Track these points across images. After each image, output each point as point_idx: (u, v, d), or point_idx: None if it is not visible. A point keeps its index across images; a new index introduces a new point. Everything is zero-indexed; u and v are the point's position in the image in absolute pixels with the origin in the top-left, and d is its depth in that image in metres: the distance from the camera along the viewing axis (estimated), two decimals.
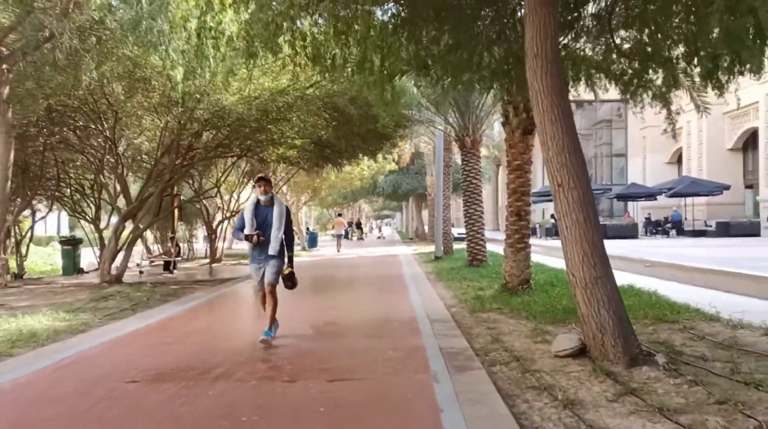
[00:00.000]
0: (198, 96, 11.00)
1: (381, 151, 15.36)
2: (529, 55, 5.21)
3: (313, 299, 10.67)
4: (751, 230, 25.07)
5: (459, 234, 26.84)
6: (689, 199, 30.88)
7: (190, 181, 18.76)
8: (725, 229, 25.37)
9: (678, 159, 40.65)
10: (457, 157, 29.59)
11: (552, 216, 34.22)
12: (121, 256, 12.95)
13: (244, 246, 31.70)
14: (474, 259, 16.10)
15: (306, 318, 8.18)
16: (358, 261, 21.86)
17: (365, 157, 17.52)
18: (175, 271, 15.73)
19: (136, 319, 8.14)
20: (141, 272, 15.12)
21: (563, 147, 5.22)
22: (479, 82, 10.11)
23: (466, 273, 13.98)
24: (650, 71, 8.06)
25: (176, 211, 16.37)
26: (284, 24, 6.86)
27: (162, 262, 16.22)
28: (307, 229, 35.33)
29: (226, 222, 20.25)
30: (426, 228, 39.28)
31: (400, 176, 37.20)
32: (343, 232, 32.69)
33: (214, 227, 19.19)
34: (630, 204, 38.89)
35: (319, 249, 30.95)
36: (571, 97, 9.77)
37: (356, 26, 7.13)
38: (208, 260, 19.28)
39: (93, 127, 12.49)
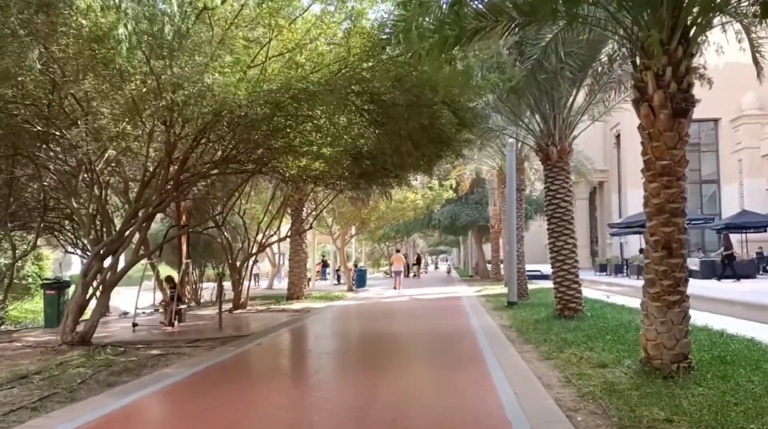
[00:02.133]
0: (176, 79, 7.65)
1: (440, 161, 11.48)
2: None
3: (337, 381, 6.88)
4: None
5: (530, 271, 22.68)
6: None
7: (209, 209, 15.54)
8: None
9: None
10: (529, 181, 25.60)
11: (641, 250, 29.33)
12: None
13: (283, 286, 28.06)
14: (565, 308, 12.01)
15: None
16: (413, 305, 18.01)
17: (418, 176, 13.76)
18: (179, 322, 12.30)
19: None
20: (135, 325, 11.75)
21: None
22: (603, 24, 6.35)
23: (561, 330, 9.93)
24: None
25: (184, 247, 13.06)
26: None
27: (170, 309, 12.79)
28: (355, 265, 31.74)
29: (252, 259, 16.87)
30: (489, 265, 35.03)
31: (458, 206, 33.21)
32: (402, 269, 29.51)
33: (237, 265, 15.82)
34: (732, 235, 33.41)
35: (368, 289, 27.24)
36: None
37: None
38: (231, 306, 15.91)
39: (57, 133, 9.35)
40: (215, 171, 10.56)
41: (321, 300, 19.28)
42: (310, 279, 31.07)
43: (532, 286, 20.65)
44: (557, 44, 9.95)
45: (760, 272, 24.64)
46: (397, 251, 32.56)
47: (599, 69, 11.51)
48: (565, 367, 6.87)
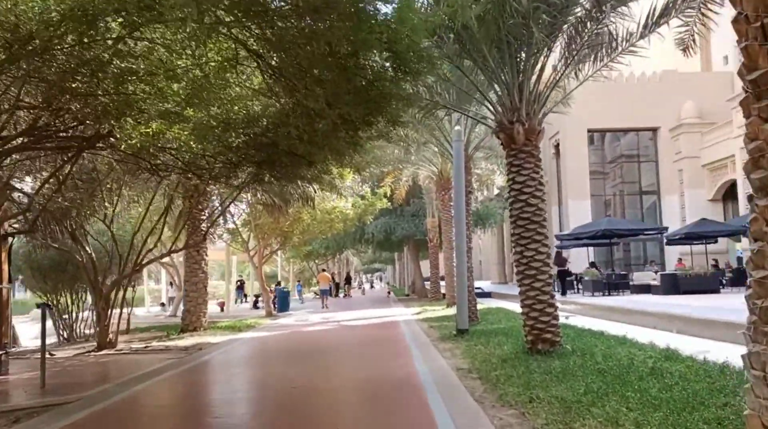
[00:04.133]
0: None
1: (370, 131, 7.96)
2: None
3: None
4: None
5: (476, 289, 19.71)
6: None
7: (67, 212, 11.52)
8: None
9: (724, 195, 34.08)
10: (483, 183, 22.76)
11: (592, 264, 27.05)
12: None
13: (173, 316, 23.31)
14: (539, 339, 8.87)
15: None
16: (340, 335, 14.53)
17: (342, 164, 10.35)
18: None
19: None
20: None
21: None
22: None
23: (545, 378, 6.74)
24: None
25: (5, 266, 9.10)
26: None
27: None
28: (278, 283, 27.92)
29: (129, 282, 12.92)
30: (426, 283, 32.07)
31: (393, 219, 30.06)
32: (329, 288, 27.57)
33: (102, 291, 11.84)
34: (672, 248, 31.83)
35: (291, 313, 23.50)
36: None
37: None
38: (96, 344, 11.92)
39: None
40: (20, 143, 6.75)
41: (226, 331, 15.44)
42: (223, 303, 27.04)
43: (479, 305, 17.66)
44: None
45: (723, 286, 22.60)
46: (323, 270, 29.68)
47: (581, 15, 8.58)
48: None
